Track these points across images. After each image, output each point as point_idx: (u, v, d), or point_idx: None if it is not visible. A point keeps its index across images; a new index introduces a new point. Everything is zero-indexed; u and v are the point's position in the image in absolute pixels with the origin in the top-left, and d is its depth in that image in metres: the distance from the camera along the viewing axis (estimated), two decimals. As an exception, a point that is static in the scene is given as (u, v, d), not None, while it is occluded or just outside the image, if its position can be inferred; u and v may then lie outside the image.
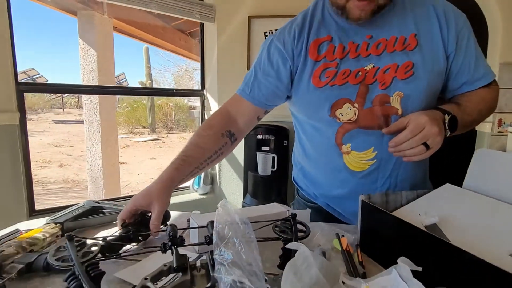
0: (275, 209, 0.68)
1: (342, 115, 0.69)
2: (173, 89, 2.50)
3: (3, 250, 0.50)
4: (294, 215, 0.58)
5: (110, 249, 0.54)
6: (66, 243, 0.47)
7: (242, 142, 2.05)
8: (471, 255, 0.39)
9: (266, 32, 2.05)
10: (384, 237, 0.55)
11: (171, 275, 0.45)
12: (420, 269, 0.39)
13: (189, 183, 2.27)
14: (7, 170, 1.45)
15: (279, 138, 1.93)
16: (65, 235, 0.48)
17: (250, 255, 0.43)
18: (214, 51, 2.18)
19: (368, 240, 0.59)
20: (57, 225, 0.62)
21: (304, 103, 0.73)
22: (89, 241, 0.51)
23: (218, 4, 2.12)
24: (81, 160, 6.81)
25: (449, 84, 0.72)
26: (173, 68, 12.12)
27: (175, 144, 9.40)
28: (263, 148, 1.90)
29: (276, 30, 1.95)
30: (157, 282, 0.43)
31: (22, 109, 1.52)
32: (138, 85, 10.12)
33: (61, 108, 14.02)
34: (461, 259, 0.40)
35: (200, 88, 2.33)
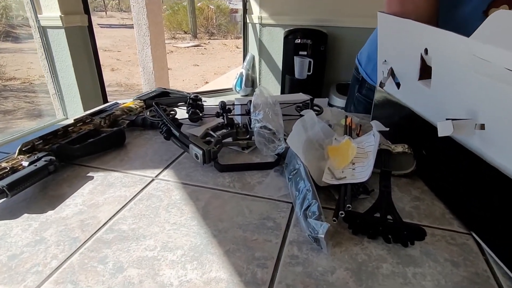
0: (299, 97, 0.87)
1: None
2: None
3: (114, 112, 0.77)
4: (312, 99, 0.77)
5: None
6: (155, 107, 0.71)
7: (281, 46, 2.16)
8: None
9: None
10: (389, 113, 0.73)
11: (223, 130, 0.69)
12: (387, 129, 0.58)
13: (231, 85, 2.50)
14: (85, 68, 1.76)
15: (317, 43, 2.00)
16: (153, 102, 0.73)
17: (275, 120, 0.65)
18: None
19: (377, 116, 0.77)
20: (141, 101, 0.88)
21: None
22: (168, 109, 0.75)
23: None
24: (130, 65, 7.21)
25: None
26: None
27: (217, 51, 9.39)
28: (300, 53, 2.00)
29: None
30: (215, 132, 0.67)
31: (87, 11, 1.73)
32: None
33: (103, 11, 14.13)
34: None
35: (242, -10, 2.34)
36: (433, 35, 0.48)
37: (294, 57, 2.02)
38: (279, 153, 0.59)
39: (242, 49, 2.52)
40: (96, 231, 0.43)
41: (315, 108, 0.77)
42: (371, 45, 0.96)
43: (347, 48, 2.15)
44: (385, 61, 0.70)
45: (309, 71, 2.00)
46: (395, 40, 0.63)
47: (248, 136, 0.67)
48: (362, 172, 0.50)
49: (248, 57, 2.37)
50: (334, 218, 0.42)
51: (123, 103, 0.84)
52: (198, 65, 7.75)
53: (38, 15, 1.58)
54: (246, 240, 0.42)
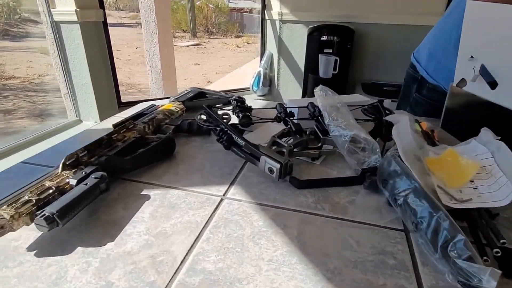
0: (357, 98, 0.78)
1: None
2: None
3: (156, 116, 0.67)
4: (381, 101, 0.68)
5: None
6: (207, 110, 0.61)
7: (303, 43, 2.04)
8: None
9: None
10: (466, 117, 0.64)
11: (289, 137, 0.59)
12: (498, 137, 0.49)
13: (248, 84, 2.40)
14: (100, 66, 1.65)
15: (343, 40, 1.89)
16: (204, 105, 0.63)
17: (357, 127, 0.55)
18: None
19: (449, 120, 0.69)
20: (180, 103, 0.78)
21: None
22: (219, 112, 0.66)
23: None
24: (130, 64, 7.09)
25: None
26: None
27: (217, 49, 9.28)
28: (325, 50, 1.89)
29: None
30: (281, 139, 0.57)
31: (102, 6, 1.62)
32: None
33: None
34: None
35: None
36: None
37: (319, 55, 1.91)
38: (372, 166, 0.50)
39: (242, 49, 2.41)
40: (175, 272, 0.34)
41: (386, 111, 0.68)
42: (432, 41, 0.87)
43: (374, 45, 2.04)
44: (472, 57, 0.61)
45: (334, 69, 1.90)
46: (493, 31, 0.53)
47: (319, 145, 0.58)
48: (491, 193, 0.40)
49: (266, 56, 2.26)
50: (485, 258, 0.33)
51: (161, 105, 0.75)
52: (199, 64, 7.65)
53: (51, 9, 1.47)
54: (371, 286, 0.33)
